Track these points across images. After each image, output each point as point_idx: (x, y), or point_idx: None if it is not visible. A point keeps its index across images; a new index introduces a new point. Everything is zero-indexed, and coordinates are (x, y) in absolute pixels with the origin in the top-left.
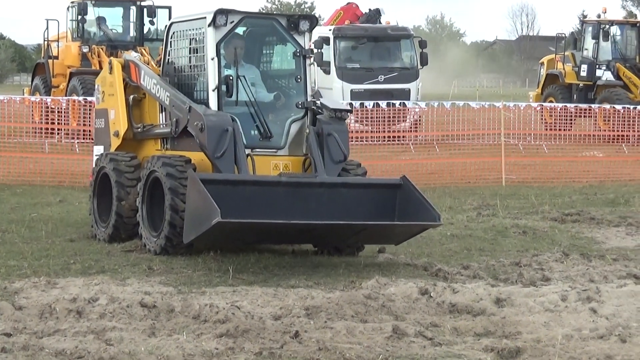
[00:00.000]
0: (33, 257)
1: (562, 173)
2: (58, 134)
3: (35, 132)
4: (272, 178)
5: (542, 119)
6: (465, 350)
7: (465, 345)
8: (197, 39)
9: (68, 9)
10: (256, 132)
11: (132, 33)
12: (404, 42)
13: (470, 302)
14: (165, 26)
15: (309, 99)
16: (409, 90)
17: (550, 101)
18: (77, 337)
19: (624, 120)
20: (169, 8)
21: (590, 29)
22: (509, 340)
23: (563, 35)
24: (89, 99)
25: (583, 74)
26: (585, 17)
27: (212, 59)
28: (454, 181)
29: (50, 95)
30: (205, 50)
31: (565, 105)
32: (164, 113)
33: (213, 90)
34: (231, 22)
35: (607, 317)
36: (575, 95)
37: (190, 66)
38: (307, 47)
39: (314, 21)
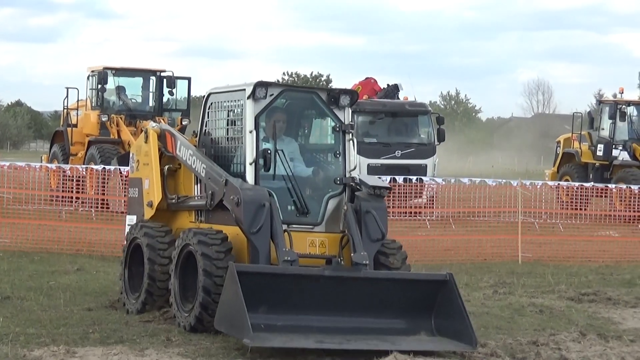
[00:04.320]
0: (52, 326)
1: (578, 252)
2: (76, 202)
3: (53, 200)
4: (315, 272)
5: (557, 197)
6: None
7: None
8: (236, 110)
9: (88, 77)
10: (293, 207)
11: (151, 103)
12: (422, 118)
13: None
14: (203, 97)
15: (347, 175)
16: (426, 165)
17: (566, 180)
18: None
19: None
20: (189, 79)
21: (607, 108)
22: None
23: (580, 114)
24: (107, 167)
25: (599, 153)
26: (601, 96)
27: (250, 131)
28: (470, 258)
29: (68, 163)
30: (243, 123)
31: (582, 185)
32: (199, 185)
33: (250, 164)
34: (271, 95)
35: None
36: (591, 175)
37: (228, 138)
38: (347, 122)
39: (354, 96)
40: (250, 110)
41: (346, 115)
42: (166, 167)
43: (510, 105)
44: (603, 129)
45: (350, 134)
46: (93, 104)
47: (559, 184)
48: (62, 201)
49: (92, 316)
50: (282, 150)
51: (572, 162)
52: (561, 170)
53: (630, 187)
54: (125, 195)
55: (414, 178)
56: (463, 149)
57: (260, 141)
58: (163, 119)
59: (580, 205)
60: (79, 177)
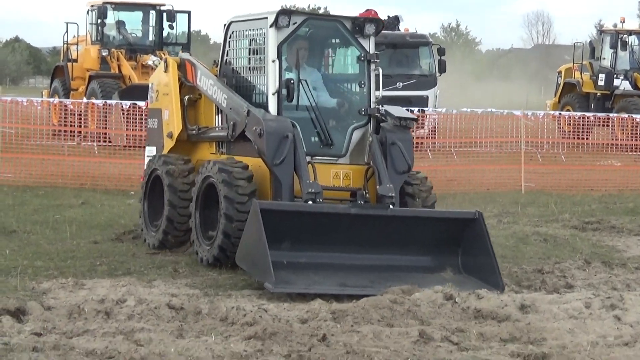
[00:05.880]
0: (59, 258)
1: (581, 181)
2: (78, 136)
3: (55, 134)
4: (341, 209)
5: (559, 127)
6: (492, 355)
7: (492, 350)
8: (257, 39)
9: (88, 12)
10: (316, 138)
11: (151, 37)
12: (423, 50)
13: (495, 308)
14: (224, 25)
15: (372, 106)
16: (427, 97)
17: (567, 110)
18: (107, 337)
19: None
20: (189, 13)
21: (608, 38)
22: (534, 347)
23: (580, 44)
24: (108, 101)
25: (601, 83)
26: (602, 26)
27: (273, 61)
28: (473, 188)
29: (69, 98)
30: (265, 52)
31: (584, 114)
32: (220, 115)
33: (273, 94)
34: (294, 24)
35: (632, 324)
36: (592, 105)
37: (249, 68)
38: (371, 52)
39: (380, 25)
40: (272, 39)
41: (371, 45)
42: (186, 97)
43: (511, 37)
44: (604, 58)
45: (375, 64)
46: (93, 39)
47: (560, 114)
48: (64, 136)
49: (98, 249)
50: (306, 80)
51: (573, 92)
52: (562, 100)
53: (631, 117)
54: (127, 129)
55: (415, 109)
56: (464, 80)
57: (283, 71)
58: (164, 53)
59: (581, 135)
60: (81, 111)
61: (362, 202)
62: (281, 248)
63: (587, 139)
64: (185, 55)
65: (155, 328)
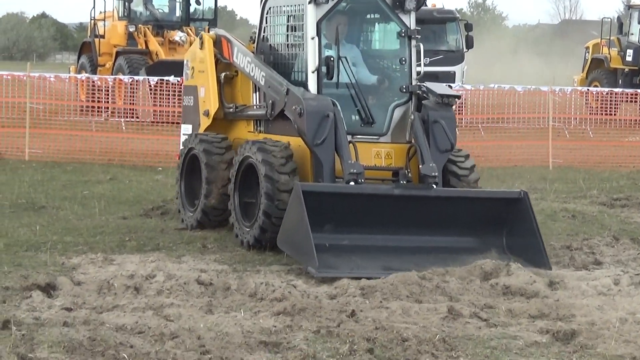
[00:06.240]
0: (88, 234)
1: (609, 158)
2: (105, 112)
3: (82, 111)
4: (384, 190)
5: (587, 103)
6: (521, 331)
7: (520, 327)
8: (296, 15)
9: None
10: (357, 117)
11: (178, 13)
12: (450, 25)
13: (524, 285)
14: (261, 1)
15: (414, 83)
16: (455, 73)
17: (595, 85)
18: (137, 312)
19: None
20: None
21: (636, 14)
22: (563, 323)
23: (608, 19)
24: (135, 77)
25: (629, 58)
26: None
27: (312, 38)
28: (500, 164)
29: (96, 74)
30: (304, 29)
31: (612, 90)
32: (257, 93)
33: (313, 72)
34: (333, 0)
35: None
36: (620, 80)
37: (288, 45)
38: (412, 27)
39: (420, 0)
40: (311, 15)
41: (412, 20)
42: (222, 74)
43: (537, 12)
44: (632, 34)
45: (416, 40)
46: (120, 15)
47: (588, 89)
48: (91, 112)
49: (127, 224)
50: (346, 58)
51: (601, 67)
52: (590, 76)
53: None
54: (154, 105)
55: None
56: (491, 56)
57: (322, 48)
58: (191, 29)
59: (609, 111)
60: (108, 87)
61: (405, 182)
62: (323, 230)
63: (614, 114)
64: (221, 32)
65: (185, 303)
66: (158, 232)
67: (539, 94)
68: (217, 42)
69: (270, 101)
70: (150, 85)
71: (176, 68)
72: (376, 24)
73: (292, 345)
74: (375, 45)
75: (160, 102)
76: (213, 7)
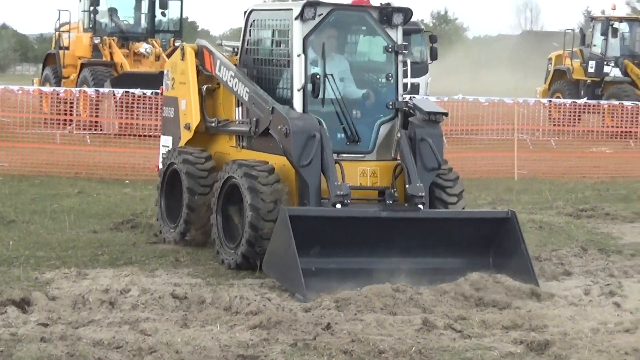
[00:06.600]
0: (60, 249)
1: (573, 169)
2: (70, 124)
3: (46, 123)
4: (372, 213)
5: (549, 114)
6: (495, 342)
7: (494, 337)
8: (281, 30)
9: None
10: (343, 135)
11: (143, 24)
12: (414, 37)
13: (496, 296)
14: (245, 12)
15: (400, 99)
16: (419, 84)
17: (557, 97)
18: (113, 327)
19: (632, 117)
20: (181, 0)
21: (599, 25)
22: (536, 334)
23: (570, 30)
24: (100, 90)
25: (591, 70)
26: (589, 13)
27: (299, 55)
28: (465, 175)
29: (60, 86)
30: (290, 45)
31: (575, 101)
32: (240, 107)
33: (298, 90)
34: (320, 15)
35: (631, 311)
36: (582, 92)
37: (273, 60)
38: (399, 42)
39: (408, 14)
40: (298, 32)
41: (398, 35)
42: (204, 87)
43: (499, 23)
44: (595, 45)
45: (403, 55)
46: (85, 26)
47: (550, 101)
48: (55, 124)
49: (98, 238)
50: (332, 74)
51: (563, 79)
52: (552, 87)
53: (621, 103)
54: (119, 118)
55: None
56: (453, 67)
57: (308, 65)
58: (156, 41)
59: (572, 122)
60: (72, 99)
61: (391, 202)
62: (310, 254)
63: (577, 126)
64: (203, 42)
65: (160, 318)
66: (130, 246)
67: (504, 105)
68: (199, 54)
69: (255, 118)
70: (115, 97)
71: (141, 80)
72: (363, 39)
73: (270, 359)
74: (361, 61)
75: (125, 114)
76: (179, 17)
